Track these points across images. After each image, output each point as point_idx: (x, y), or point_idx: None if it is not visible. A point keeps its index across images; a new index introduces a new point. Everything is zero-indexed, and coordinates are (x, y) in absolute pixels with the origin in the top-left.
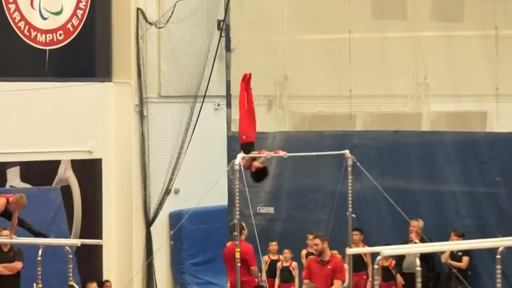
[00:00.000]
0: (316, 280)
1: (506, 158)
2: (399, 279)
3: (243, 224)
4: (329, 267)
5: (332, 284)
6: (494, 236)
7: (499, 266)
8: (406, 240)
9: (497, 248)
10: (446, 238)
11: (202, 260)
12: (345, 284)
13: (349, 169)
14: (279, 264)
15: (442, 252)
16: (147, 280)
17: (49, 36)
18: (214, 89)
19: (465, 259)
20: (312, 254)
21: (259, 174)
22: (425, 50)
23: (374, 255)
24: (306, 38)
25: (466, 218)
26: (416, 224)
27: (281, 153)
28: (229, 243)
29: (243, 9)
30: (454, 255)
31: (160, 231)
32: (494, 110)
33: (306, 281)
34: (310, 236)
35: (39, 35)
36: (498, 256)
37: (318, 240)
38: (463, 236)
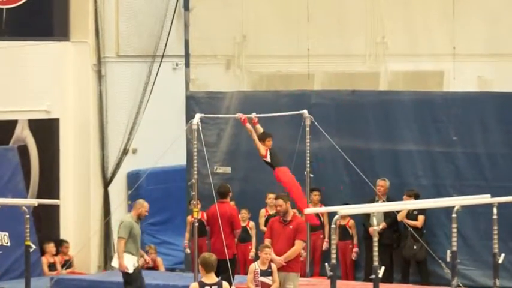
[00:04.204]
0: (278, 240)
1: (462, 118)
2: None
3: (228, 186)
4: (291, 227)
5: (294, 245)
6: (450, 196)
7: (454, 225)
8: (373, 200)
9: (453, 207)
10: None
11: (160, 220)
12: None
13: (307, 129)
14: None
15: (399, 211)
16: (104, 240)
17: None
18: (172, 48)
19: (421, 218)
20: (272, 216)
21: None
22: (383, 9)
23: (331, 214)
24: None
25: (422, 178)
26: (383, 184)
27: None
28: (213, 205)
29: None
30: (410, 214)
31: (118, 191)
32: (451, 69)
33: (266, 240)
34: (271, 196)
35: None
36: (454, 215)
37: (281, 201)
38: (415, 196)
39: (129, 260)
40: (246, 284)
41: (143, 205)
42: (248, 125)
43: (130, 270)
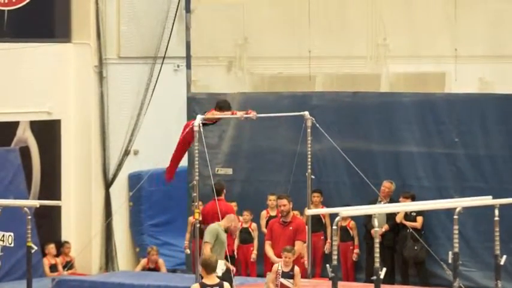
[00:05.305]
0: (278, 241)
1: (464, 119)
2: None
3: (223, 183)
4: (291, 228)
5: (294, 245)
6: (452, 197)
7: (456, 227)
8: (375, 201)
9: (455, 209)
10: None
11: (162, 221)
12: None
13: (309, 130)
14: (238, 225)
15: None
16: (106, 241)
17: None
18: (173, 50)
19: (419, 219)
20: (273, 217)
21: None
22: (385, 11)
23: (332, 216)
24: None
25: (424, 179)
26: (389, 185)
27: (252, 114)
28: (209, 203)
29: None
30: (408, 216)
31: (120, 192)
32: (452, 71)
33: (267, 242)
34: (272, 197)
35: None
36: (455, 217)
37: (285, 201)
38: (411, 198)
39: (218, 264)
40: (267, 283)
41: (235, 220)
42: None
43: (219, 274)
